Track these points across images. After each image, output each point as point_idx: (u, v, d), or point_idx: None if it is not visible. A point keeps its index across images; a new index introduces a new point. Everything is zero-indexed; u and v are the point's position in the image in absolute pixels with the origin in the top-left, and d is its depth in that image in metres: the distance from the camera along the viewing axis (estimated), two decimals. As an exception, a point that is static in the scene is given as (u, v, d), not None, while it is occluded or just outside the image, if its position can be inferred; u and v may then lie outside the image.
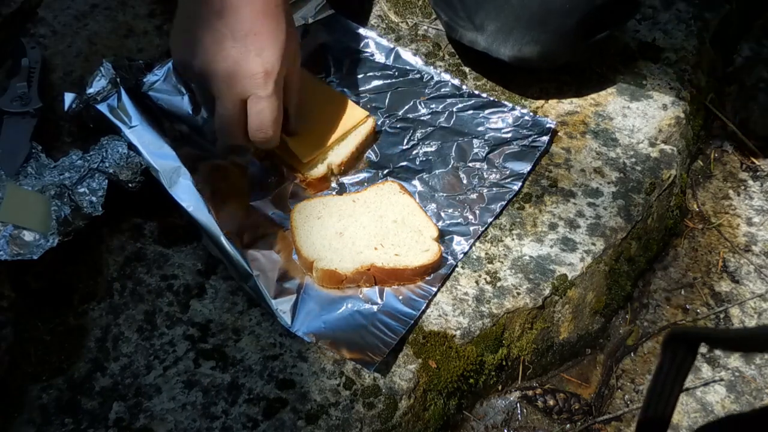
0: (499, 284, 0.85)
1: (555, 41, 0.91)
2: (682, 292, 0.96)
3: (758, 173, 1.06)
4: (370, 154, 0.93)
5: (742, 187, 1.05)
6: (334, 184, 0.91)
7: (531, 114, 0.96)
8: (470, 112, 0.97)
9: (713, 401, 0.87)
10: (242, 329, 0.80)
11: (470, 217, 0.88)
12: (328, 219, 0.85)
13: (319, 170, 0.89)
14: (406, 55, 1.01)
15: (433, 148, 0.93)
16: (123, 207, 0.86)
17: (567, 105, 1.00)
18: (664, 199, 0.96)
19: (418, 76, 1.00)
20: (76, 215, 0.81)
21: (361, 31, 1.03)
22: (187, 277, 0.84)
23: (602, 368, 0.90)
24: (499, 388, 0.86)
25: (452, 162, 0.92)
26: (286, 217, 0.87)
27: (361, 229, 0.84)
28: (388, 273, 0.81)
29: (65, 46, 1.02)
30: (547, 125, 0.95)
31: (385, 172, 0.91)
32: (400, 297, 0.81)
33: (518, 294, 0.84)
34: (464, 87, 0.99)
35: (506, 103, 0.97)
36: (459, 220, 0.88)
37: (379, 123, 0.95)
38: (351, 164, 0.92)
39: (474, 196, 0.90)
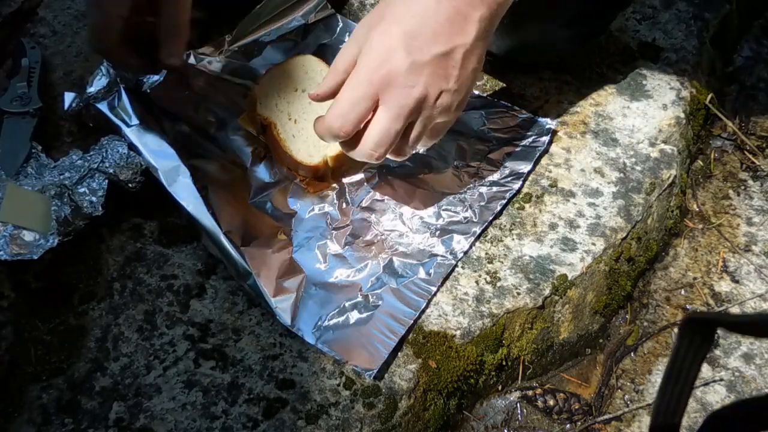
0: (499, 284, 0.85)
1: (535, 34, 0.92)
2: (682, 292, 0.96)
3: (758, 173, 1.06)
4: (370, 154, 0.93)
5: (742, 187, 1.05)
6: (333, 184, 0.91)
7: (531, 114, 0.96)
8: (470, 112, 0.96)
9: (713, 401, 0.87)
10: (242, 329, 0.80)
11: (470, 216, 0.88)
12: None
13: (315, 160, 0.88)
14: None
15: (433, 148, 0.93)
16: (123, 207, 0.86)
17: (567, 105, 1.00)
18: (664, 199, 0.96)
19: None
20: (76, 215, 0.81)
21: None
22: (187, 277, 0.84)
23: (602, 368, 0.90)
24: (499, 388, 0.86)
25: (452, 162, 0.92)
26: (286, 216, 0.87)
27: None
28: None
29: (65, 46, 1.02)
30: (547, 126, 0.95)
31: (385, 171, 0.91)
32: (400, 296, 0.81)
33: (518, 294, 0.84)
34: (464, 87, 0.99)
35: (506, 103, 0.97)
36: (459, 219, 0.88)
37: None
38: (351, 163, 0.92)
39: (474, 195, 0.89)
